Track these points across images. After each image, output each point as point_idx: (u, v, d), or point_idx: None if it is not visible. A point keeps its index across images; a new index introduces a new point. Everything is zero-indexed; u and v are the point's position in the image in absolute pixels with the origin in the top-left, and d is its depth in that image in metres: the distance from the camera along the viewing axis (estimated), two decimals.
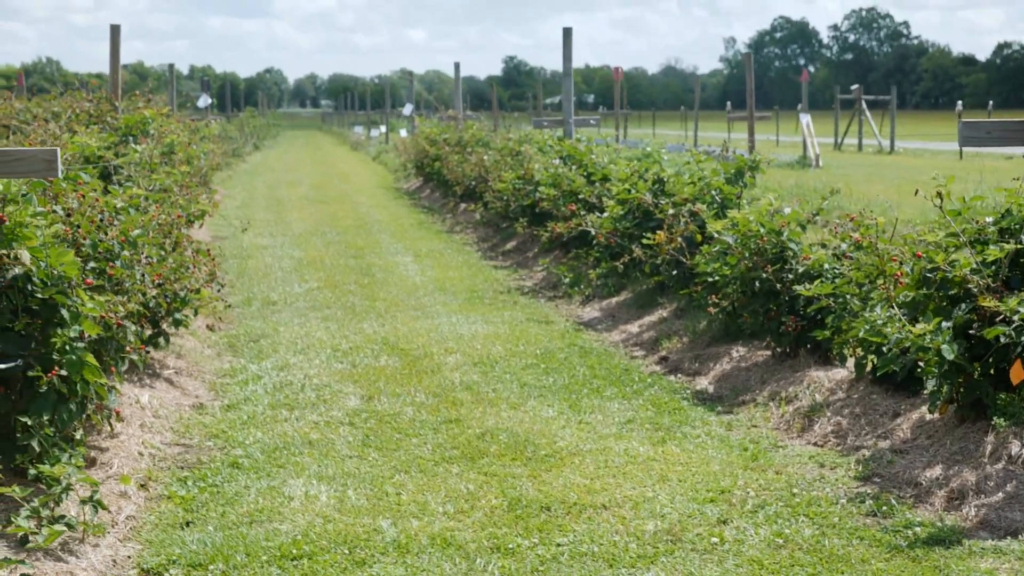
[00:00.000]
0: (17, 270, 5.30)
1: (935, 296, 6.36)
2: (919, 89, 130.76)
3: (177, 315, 8.33)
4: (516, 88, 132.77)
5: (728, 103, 53.24)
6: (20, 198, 5.61)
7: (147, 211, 7.82)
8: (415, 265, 14.64)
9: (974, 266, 6.20)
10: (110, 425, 6.70)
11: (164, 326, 8.31)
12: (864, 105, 39.55)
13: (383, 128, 45.91)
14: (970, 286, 6.13)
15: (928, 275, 6.33)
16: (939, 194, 6.29)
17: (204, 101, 30.60)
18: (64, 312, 5.45)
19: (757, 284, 8.25)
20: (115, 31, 13.54)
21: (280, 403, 8.00)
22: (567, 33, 14.91)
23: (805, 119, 31.46)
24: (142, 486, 6.17)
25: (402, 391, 8.28)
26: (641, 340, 9.90)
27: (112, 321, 6.12)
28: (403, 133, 38.87)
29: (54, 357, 5.48)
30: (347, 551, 5.33)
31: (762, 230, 8.16)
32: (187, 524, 5.71)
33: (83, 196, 6.47)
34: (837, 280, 7.46)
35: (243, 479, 6.36)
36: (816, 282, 7.60)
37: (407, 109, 34.39)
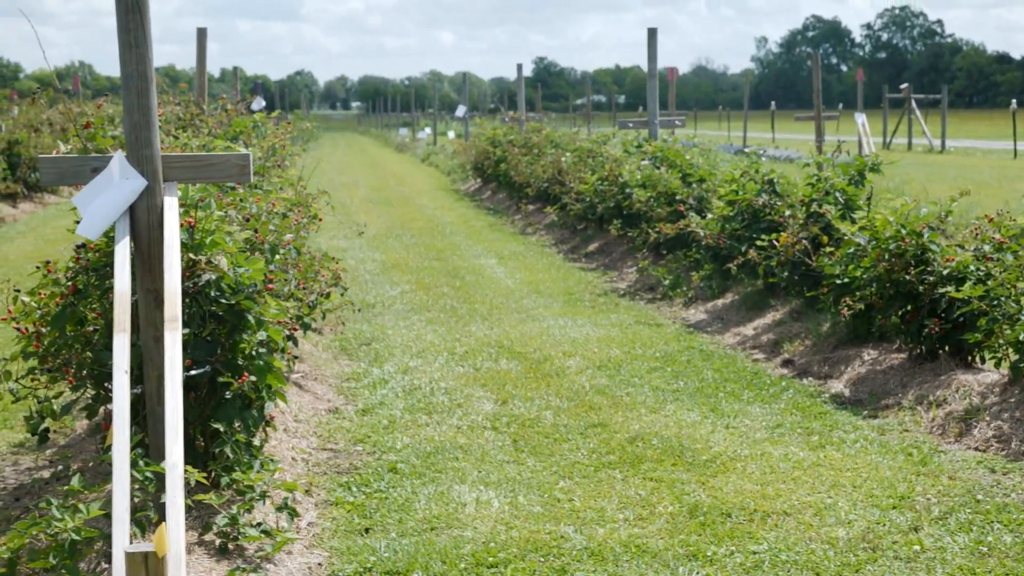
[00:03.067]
0: (209, 276, 5.25)
1: None
2: (953, 88, 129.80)
3: (305, 319, 8.29)
4: (546, 88, 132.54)
5: (772, 103, 52.94)
6: (199, 203, 5.57)
7: (287, 215, 7.78)
8: (501, 267, 14.58)
9: None
10: (264, 432, 6.65)
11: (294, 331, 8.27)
12: (914, 104, 39.27)
13: (428, 130, 45.92)
14: None
15: None
16: None
17: (259, 104, 30.52)
18: (250, 317, 5.40)
19: (893, 286, 8.14)
20: (202, 34, 13.53)
21: (415, 407, 7.94)
22: (652, 33, 14.80)
23: (860, 119, 31.25)
24: (307, 492, 6.12)
25: (534, 395, 8.21)
26: (759, 343, 9.80)
27: (289, 327, 6.07)
28: (451, 135, 38.84)
29: (239, 363, 5.43)
30: (541, 558, 5.27)
31: (902, 231, 8.05)
32: (366, 531, 5.66)
33: (259, 201, 6.43)
34: (990, 282, 7.34)
35: (407, 485, 6.30)
36: (967, 284, 7.48)
37: (460, 111, 34.33)
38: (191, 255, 5.26)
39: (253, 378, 5.40)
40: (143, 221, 5.08)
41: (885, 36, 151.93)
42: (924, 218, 8.25)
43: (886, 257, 8.12)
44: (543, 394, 8.24)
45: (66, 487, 4.78)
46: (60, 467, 6.32)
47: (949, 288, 7.67)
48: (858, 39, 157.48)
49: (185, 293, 5.29)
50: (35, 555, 4.58)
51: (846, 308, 8.55)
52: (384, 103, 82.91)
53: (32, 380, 5.79)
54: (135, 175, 5.08)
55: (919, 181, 24.32)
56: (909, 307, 8.14)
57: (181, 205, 5.55)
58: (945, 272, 7.86)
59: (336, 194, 27.03)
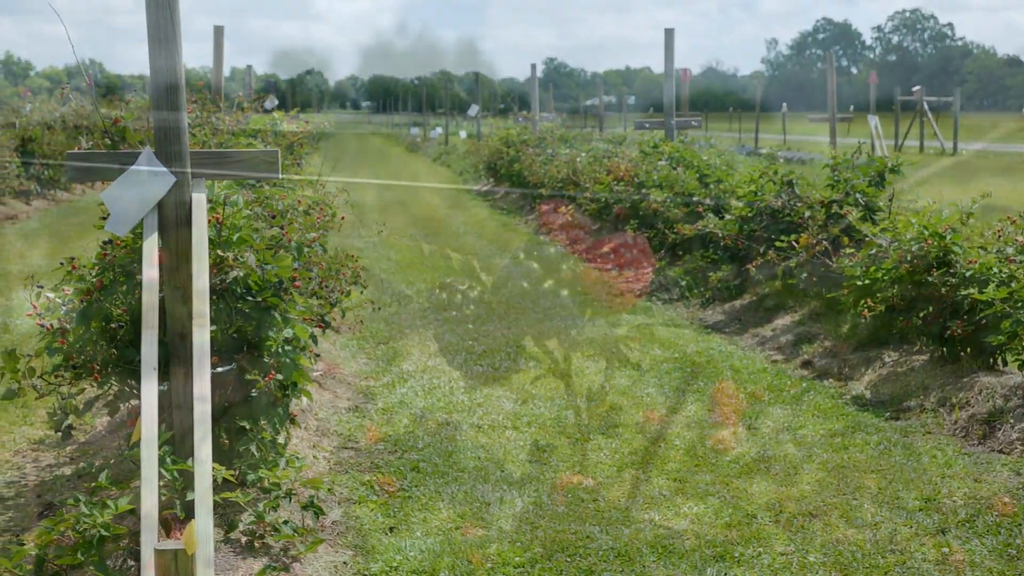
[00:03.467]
0: (236, 272, 5.24)
1: None
2: (963, 91, 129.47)
3: (326, 317, 8.27)
4: (556, 89, 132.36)
5: (784, 104, 52.83)
6: (226, 200, 5.56)
7: (309, 213, 7.77)
8: (516, 268, 14.56)
9: None
10: (286, 430, 6.63)
11: (320, 327, 8.26)
12: (927, 107, 39.17)
13: (439, 129, 45.92)
14: None
15: None
16: None
17: (271, 103, 30.53)
18: (276, 315, 5.38)
19: (915, 288, 8.11)
20: (219, 32, 13.52)
21: (435, 406, 7.93)
22: (669, 34, 14.77)
23: (873, 121, 31.15)
24: (329, 490, 6.10)
25: (553, 394, 8.20)
26: (778, 344, 9.77)
27: (314, 324, 6.06)
28: (463, 135, 38.81)
29: (265, 360, 5.41)
30: (568, 558, 5.25)
31: (925, 233, 8.02)
32: (391, 530, 5.64)
33: (285, 198, 6.41)
34: (1013, 284, 7.31)
35: (430, 483, 6.29)
36: (990, 286, 7.45)
37: (472, 110, 34.31)
38: (219, 252, 5.25)
39: (279, 376, 5.38)
40: (171, 217, 5.06)
41: (896, 39, 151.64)
42: (947, 220, 8.21)
43: (908, 259, 8.09)
44: (563, 393, 8.22)
45: (93, 484, 4.77)
46: (83, 464, 6.32)
47: (972, 290, 7.63)
48: (868, 41, 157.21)
49: (212, 290, 5.27)
50: (62, 551, 4.57)
51: (867, 310, 8.52)
52: (395, 102, 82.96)
53: (56, 377, 5.77)
54: (163, 171, 5.07)
55: (933, 183, 24.29)
56: (931, 309, 8.11)
57: (208, 202, 5.53)
58: (968, 274, 7.83)
59: (349, 193, 27.12)
